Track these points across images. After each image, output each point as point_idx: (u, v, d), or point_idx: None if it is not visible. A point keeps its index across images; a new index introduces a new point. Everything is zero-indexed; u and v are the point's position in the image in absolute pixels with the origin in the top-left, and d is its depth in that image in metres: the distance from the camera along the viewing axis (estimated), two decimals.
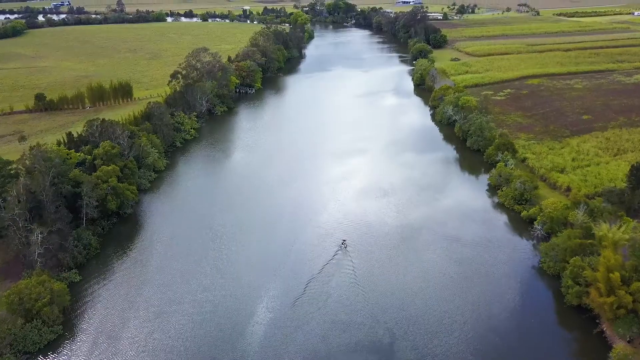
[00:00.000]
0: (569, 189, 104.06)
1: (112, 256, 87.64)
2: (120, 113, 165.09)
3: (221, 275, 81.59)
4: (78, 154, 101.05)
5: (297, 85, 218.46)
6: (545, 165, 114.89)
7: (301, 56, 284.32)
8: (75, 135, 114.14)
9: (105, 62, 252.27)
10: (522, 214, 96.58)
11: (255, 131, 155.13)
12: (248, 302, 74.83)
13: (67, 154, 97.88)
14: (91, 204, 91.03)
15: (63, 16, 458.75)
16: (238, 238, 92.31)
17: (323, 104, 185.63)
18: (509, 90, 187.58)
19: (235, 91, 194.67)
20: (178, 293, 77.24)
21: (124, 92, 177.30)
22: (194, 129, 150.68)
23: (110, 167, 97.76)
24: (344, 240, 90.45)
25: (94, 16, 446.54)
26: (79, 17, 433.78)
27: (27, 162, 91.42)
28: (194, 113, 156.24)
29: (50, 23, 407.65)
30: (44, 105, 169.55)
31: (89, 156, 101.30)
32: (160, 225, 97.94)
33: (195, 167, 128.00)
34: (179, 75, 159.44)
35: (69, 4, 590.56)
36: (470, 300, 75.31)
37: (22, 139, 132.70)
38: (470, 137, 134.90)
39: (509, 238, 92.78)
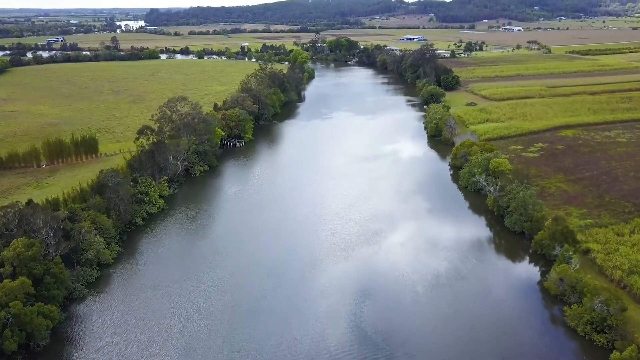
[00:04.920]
0: None
1: None
2: (80, 173, 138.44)
3: None
4: None
5: (293, 136, 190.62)
6: (620, 264, 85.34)
7: (300, 99, 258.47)
8: None
9: (82, 106, 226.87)
10: (611, 356, 66.08)
11: (238, 202, 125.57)
12: None
13: None
14: None
15: (52, 53, 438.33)
16: None
17: (323, 161, 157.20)
18: (540, 144, 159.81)
19: (222, 144, 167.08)
20: None
21: (87, 147, 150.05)
22: (162, 197, 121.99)
23: (16, 283, 68.43)
24: None
25: (84, 53, 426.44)
26: (67, 55, 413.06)
27: None
28: (165, 177, 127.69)
29: (37, 61, 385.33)
30: None
31: None
32: None
33: (154, 257, 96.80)
34: (148, 131, 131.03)
35: (64, 40, 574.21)
36: None
37: None
38: (509, 215, 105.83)
39: None
